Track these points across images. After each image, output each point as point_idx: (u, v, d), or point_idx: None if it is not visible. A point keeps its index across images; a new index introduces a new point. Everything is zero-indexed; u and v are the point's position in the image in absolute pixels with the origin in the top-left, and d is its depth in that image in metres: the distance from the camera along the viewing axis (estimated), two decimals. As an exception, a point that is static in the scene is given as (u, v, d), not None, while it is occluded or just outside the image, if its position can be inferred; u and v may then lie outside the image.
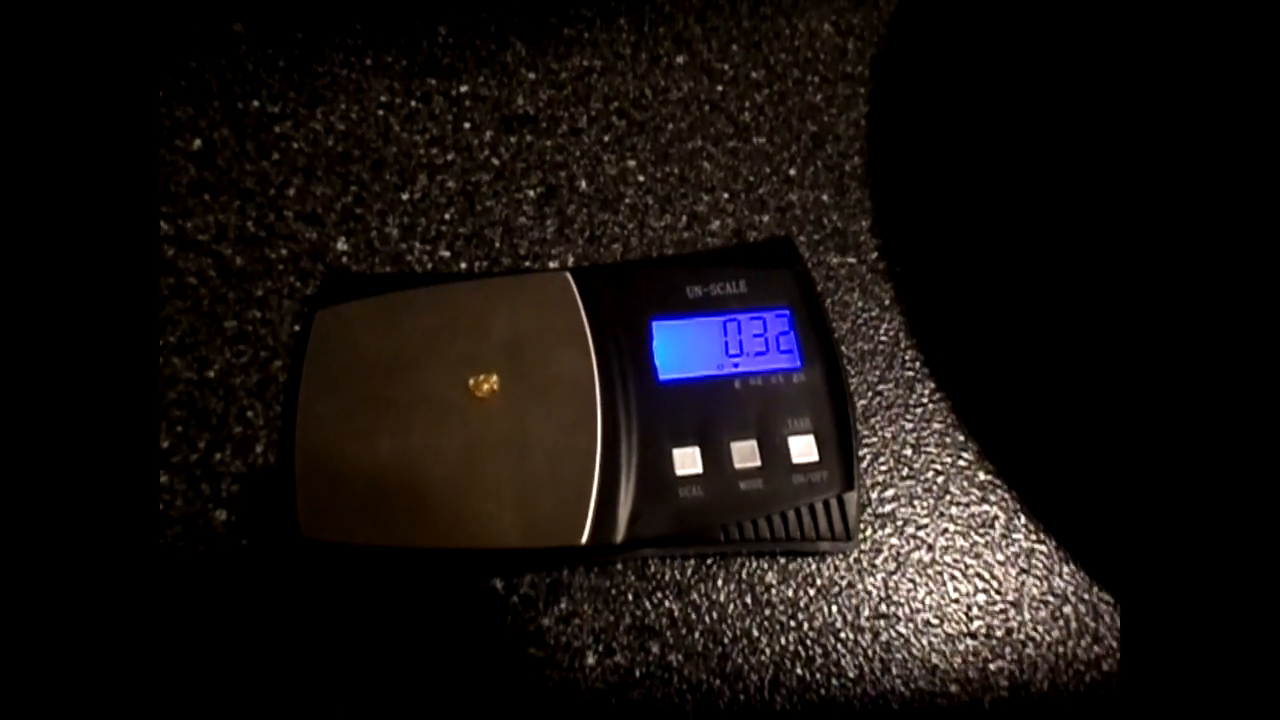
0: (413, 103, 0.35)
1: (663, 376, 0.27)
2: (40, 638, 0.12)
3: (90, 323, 0.14)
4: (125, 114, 0.14)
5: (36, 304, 0.13)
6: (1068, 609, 0.27)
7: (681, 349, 0.28)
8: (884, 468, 0.29)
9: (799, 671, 0.26)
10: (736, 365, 0.28)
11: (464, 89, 0.35)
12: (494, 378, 0.26)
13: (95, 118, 0.14)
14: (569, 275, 0.28)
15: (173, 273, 0.31)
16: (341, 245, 0.32)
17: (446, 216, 0.32)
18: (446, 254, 0.32)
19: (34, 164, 0.14)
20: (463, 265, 0.32)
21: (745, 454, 0.26)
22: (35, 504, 0.12)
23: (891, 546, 0.28)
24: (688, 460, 0.26)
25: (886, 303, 0.31)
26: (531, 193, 0.33)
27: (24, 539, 0.12)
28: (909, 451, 0.29)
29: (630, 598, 0.27)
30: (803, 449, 0.26)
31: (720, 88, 0.36)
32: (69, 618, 0.12)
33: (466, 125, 0.34)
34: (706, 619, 0.27)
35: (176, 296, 0.30)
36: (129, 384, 0.14)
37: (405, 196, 0.33)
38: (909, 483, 0.29)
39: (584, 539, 0.25)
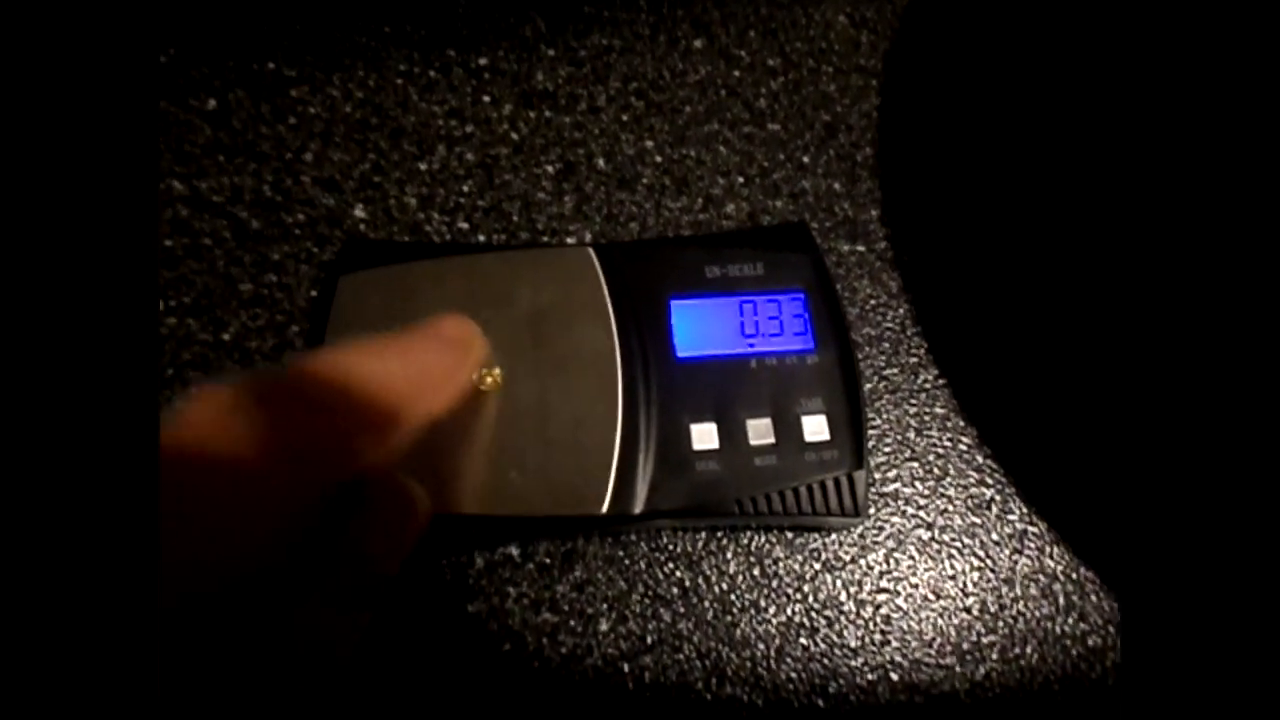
0: (431, 73, 0.34)
1: (681, 354, 0.28)
2: (35, 596, 0.12)
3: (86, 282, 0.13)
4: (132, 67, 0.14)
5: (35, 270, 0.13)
6: (1057, 587, 0.29)
7: (699, 328, 0.28)
8: (888, 448, 0.30)
9: (803, 641, 0.27)
10: (752, 345, 0.28)
11: (483, 61, 0.35)
12: (497, 371, 0.25)
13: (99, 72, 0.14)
14: (591, 251, 0.29)
15: (187, 233, 0.30)
16: (359, 212, 0.32)
17: (465, 188, 0.32)
18: (465, 226, 0.32)
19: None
20: (480, 237, 0.32)
21: (760, 431, 0.27)
22: (39, 471, 0.12)
23: (893, 524, 0.29)
24: (705, 436, 0.27)
25: (894, 290, 0.32)
26: (550, 168, 0.33)
27: (26, 504, 0.12)
28: (912, 434, 0.30)
29: (643, 567, 0.28)
30: (815, 428, 0.27)
31: (737, 73, 0.36)
32: (67, 580, 0.12)
33: (486, 99, 0.34)
34: (716, 589, 0.28)
35: (191, 257, 0.30)
36: (131, 347, 0.14)
37: (424, 166, 0.33)
38: (911, 464, 0.30)
39: (604, 509, 0.25)
